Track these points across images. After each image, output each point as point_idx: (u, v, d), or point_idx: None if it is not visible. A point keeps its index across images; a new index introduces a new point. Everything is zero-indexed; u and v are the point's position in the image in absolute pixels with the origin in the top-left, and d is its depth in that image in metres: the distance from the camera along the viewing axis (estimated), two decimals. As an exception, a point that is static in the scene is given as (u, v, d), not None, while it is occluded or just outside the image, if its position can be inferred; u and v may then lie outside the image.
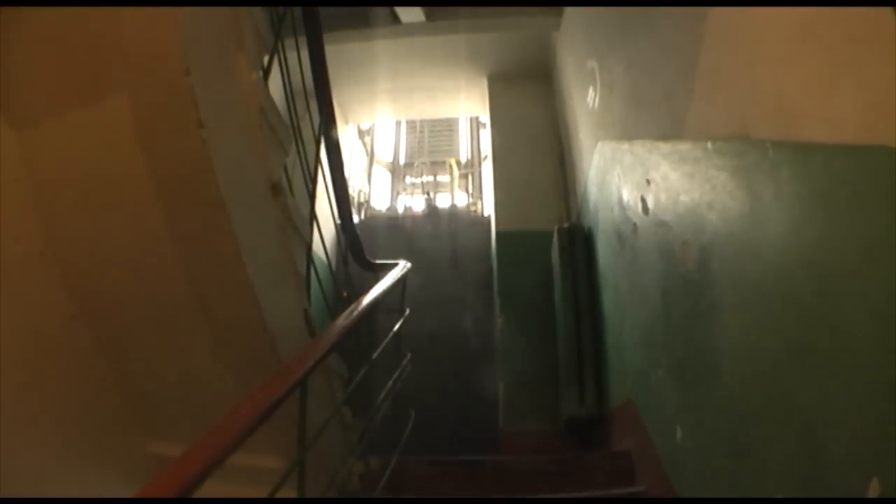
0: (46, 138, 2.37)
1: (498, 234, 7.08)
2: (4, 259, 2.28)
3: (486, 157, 10.26)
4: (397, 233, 9.03)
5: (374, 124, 11.15)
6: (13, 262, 2.34)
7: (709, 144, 2.46)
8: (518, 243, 6.82)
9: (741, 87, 2.21)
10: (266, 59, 2.90)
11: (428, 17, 6.68)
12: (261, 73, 2.79)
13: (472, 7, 6.79)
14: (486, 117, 8.90)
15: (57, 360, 2.61)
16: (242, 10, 2.55)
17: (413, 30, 6.89)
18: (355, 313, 3.19)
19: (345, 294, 4.91)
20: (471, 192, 10.97)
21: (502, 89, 7.99)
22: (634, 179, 3.65)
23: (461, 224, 9.07)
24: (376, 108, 9.03)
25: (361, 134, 10.70)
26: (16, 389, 2.34)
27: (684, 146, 2.75)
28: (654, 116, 3.31)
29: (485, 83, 8.13)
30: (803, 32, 1.80)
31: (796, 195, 1.83)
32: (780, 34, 1.94)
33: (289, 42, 3.30)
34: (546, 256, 6.11)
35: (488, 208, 8.81)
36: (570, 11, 6.34)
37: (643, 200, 3.41)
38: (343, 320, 3.08)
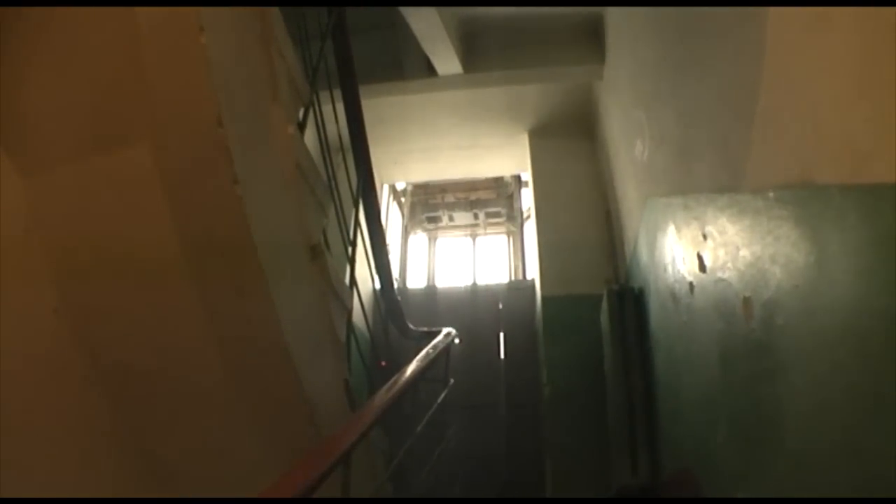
0: (58, 187, 2.26)
1: (544, 299, 7.08)
2: (13, 316, 2.16)
3: (527, 217, 10.28)
4: (433, 299, 9.10)
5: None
6: (23, 320, 2.23)
7: (770, 194, 2.45)
8: (565, 308, 6.82)
9: (803, 129, 2.21)
10: (301, 112, 2.91)
11: (465, 68, 6.78)
12: (296, 127, 2.77)
13: (511, 57, 6.89)
14: (527, 175, 8.93)
15: (70, 424, 2.46)
16: (276, 55, 2.53)
17: (450, 82, 6.98)
18: (398, 385, 3.18)
19: (383, 363, 4.92)
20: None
21: (544, 145, 8.06)
22: (689, 235, 3.64)
23: (502, 290, 9.09)
24: (412, 167, 9.10)
25: (397, 195, 10.78)
26: (27, 456, 2.26)
27: (744, 197, 2.75)
28: (709, 167, 3.32)
29: (525, 139, 8.20)
30: (867, 65, 1.80)
31: (866, 242, 1.81)
32: (842, 69, 1.95)
33: (323, 95, 3.34)
34: (594, 320, 6.07)
35: (532, 271, 8.82)
36: (612, 60, 6.41)
37: (700, 257, 3.40)
38: (386, 393, 3.06)
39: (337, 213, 3.38)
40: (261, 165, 2.40)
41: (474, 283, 9.61)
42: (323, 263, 2.82)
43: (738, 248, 2.82)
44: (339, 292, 3.03)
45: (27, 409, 2.23)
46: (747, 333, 2.73)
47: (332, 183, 3.30)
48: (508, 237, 11.49)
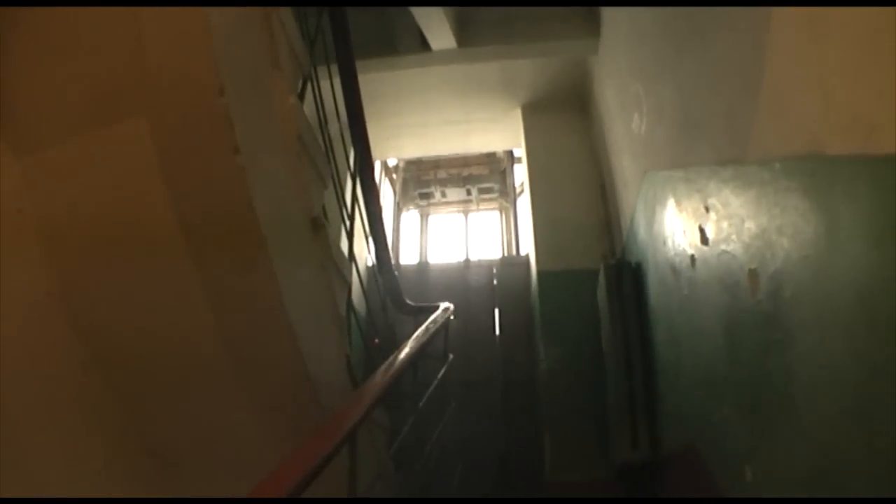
0: (53, 165, 2.18)
1: (539, 274, 7.09)
2: (6, 299, 2.10)
3: (521, 192, 10.27)
4: (426, 275, 9.10)
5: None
6: (15, 302, 2.15)
7: (777, 165, 2.45)
8: (561, 283, 6.82)
9: (811, 100, 2.20)
10: (300, 84, 2.88)
11: (459, 43, 6.74)
12: (297, 98, 2.73)
13: (505, 32, 6.86)
14: (520, 150, 8.91)
15: (68, 409, 2.41)
16: (276, 25, 2.47)
17: (443, 57, 6.93)
18: (400, 361, 3.16)
19: (376, 341, 4.90)
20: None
21: (537, 120, 8.03)
22: (691, 208, 3.63)
23: (495, 266, 9.08)
24: (404, 142, 9.05)
25: (389, 171, 10.73)
26: (22, 442, 2.18)
27: (749, 169, 2.74)
28: (711, 139, 3.31)
29: (519, 114, 8.18)
30: (876, 36, 1.80)
31: (876, 212, 1.81)
32: (851, 40, 1.94)
33: (320, 71, 3.30)
34: (591, 295, 6.09)
35: (526, 247, 8.81)
36: (608, 34, 6.38)
37: (701, 230, 3.39)
38: (388, 369, 3.03)
39: (335, 187, 3.34)
40: (262, 135, 2.34)
41: (467, 259, 9.60)
42: (324, 237, 2.78)
43: (742, 220, 2.82)
44: (340, 266, 3.00)
45: (21, 395, 2.18)
46: (753, 305, 2.73)
47: (331, 156, 3.27)
48: (501, 213, 11.50)
